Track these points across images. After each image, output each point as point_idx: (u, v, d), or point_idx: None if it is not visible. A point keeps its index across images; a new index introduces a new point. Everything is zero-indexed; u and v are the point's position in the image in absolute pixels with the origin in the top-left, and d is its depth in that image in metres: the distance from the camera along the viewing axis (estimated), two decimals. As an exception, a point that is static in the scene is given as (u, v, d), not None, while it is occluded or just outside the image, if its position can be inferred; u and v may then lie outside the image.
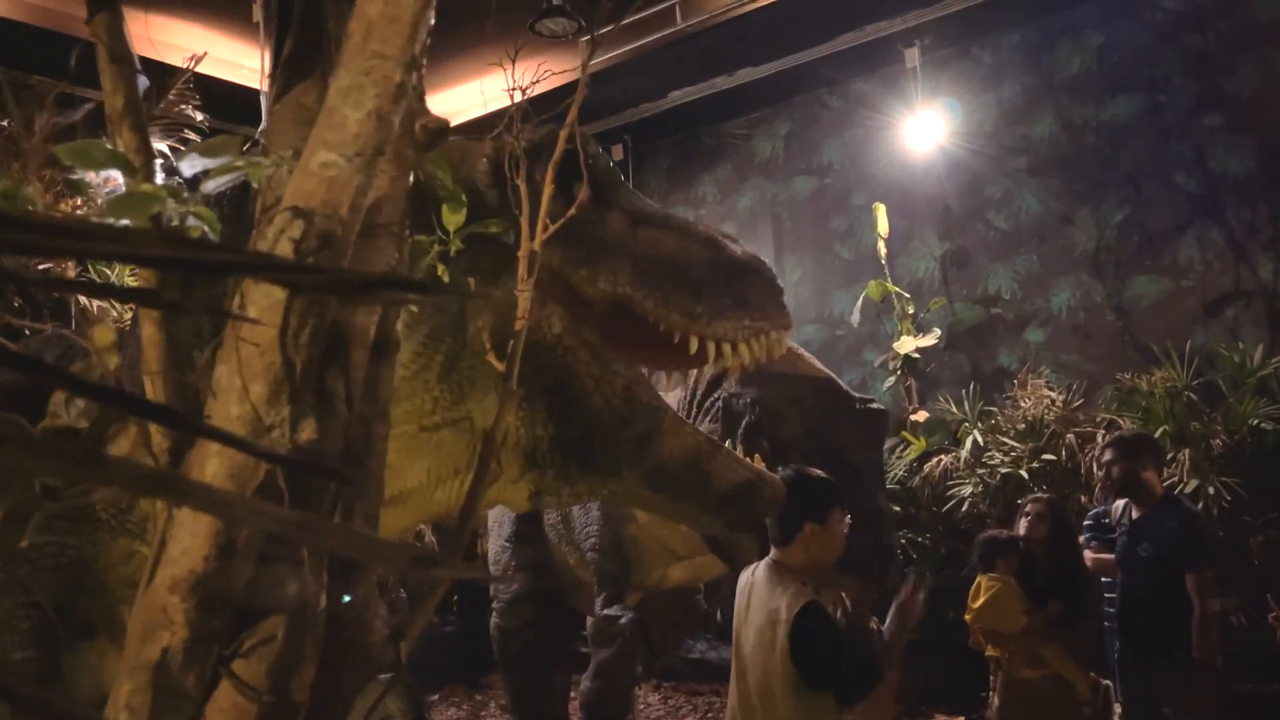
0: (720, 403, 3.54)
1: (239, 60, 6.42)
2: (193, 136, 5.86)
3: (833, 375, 3.76)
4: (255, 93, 5.38)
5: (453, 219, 1.23)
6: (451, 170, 1.87)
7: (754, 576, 2.85)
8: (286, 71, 1.09)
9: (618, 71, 7.06)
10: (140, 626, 0.88)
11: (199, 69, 5.63)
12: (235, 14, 6.05)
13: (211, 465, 0.90)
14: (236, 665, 0.90)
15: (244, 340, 0.92)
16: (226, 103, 6.11)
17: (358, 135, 0.95)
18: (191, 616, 0.87)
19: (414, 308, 1.83)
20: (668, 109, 7.79)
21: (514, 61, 1.37)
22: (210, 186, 0.96)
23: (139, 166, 1.05)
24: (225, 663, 0.89)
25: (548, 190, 1.32)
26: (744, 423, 3.38)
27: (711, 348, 1.86)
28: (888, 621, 2.79)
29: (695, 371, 3.23)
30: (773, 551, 2.83)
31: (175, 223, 1.02)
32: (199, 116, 5.87)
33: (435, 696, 7.29)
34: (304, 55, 1.15)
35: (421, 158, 1.08)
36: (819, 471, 2.84)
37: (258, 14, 5.87)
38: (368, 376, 1.01)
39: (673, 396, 3.60)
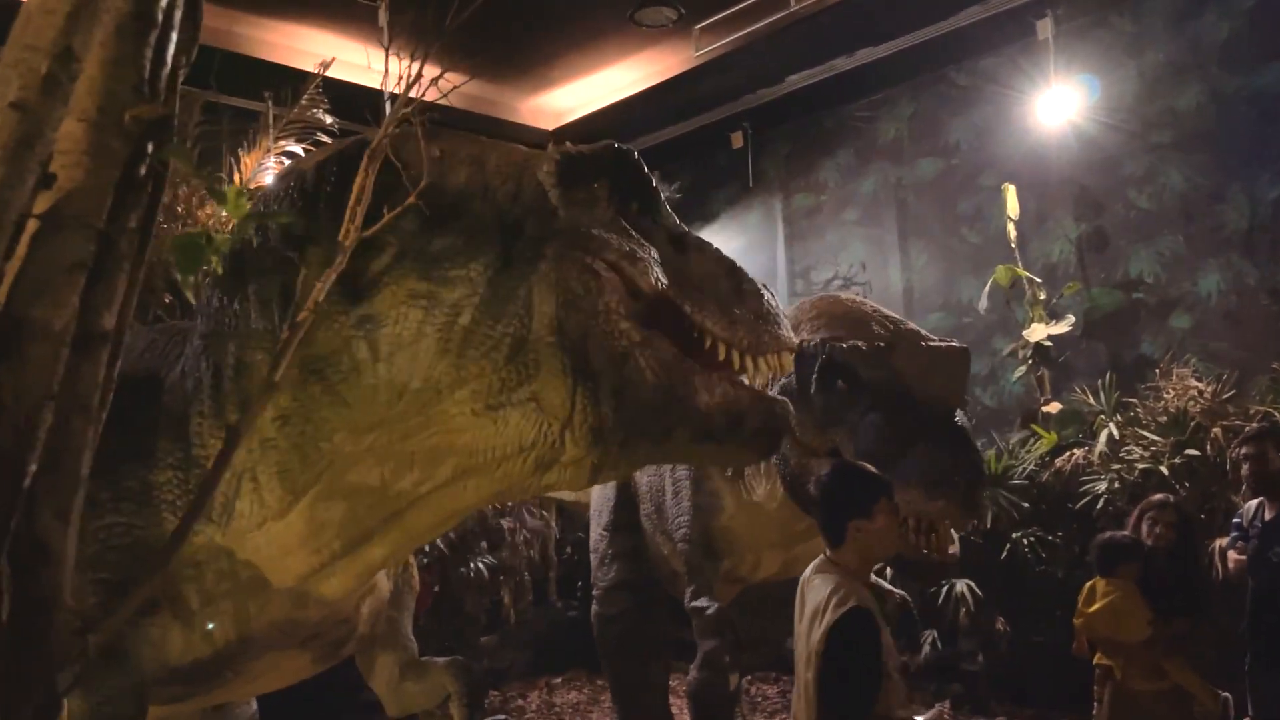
0: None
1: (366, 64, 6.67)
2: (324, 139, 6.13)
3: (901, 318, 3.70)
4: (380, 94, 5.58)
5: (234, 210, 1.23)
6: (514, 171, 1.95)
7: (812, 572, 2.83)
8: None
9: (733, 58, 6.98)
10: None
11: (329, 73, 5.89)
12: (362, 19, 6.29)
13: None
14: None
15: None
16: (354, 105, 6.36)
17: None
18: None
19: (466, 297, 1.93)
20: (786, 94, 7.66)
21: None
22: None
23: None
24: None
25: (368, 184, 1.32)
26: (817, 364, 3.32)
27: (736, 358, 2.04)
28: None
29: None
30: (828, 551, 2.79)
31: None
32: (328, 119, 6.13)
33: (559, 679, 7.46)
34: None
35: (131, 149, 1.05)
36: (862, 465, 2.77)
37: (383, 19, 6.10)
38: (67, 370, 0.98)
39: None
